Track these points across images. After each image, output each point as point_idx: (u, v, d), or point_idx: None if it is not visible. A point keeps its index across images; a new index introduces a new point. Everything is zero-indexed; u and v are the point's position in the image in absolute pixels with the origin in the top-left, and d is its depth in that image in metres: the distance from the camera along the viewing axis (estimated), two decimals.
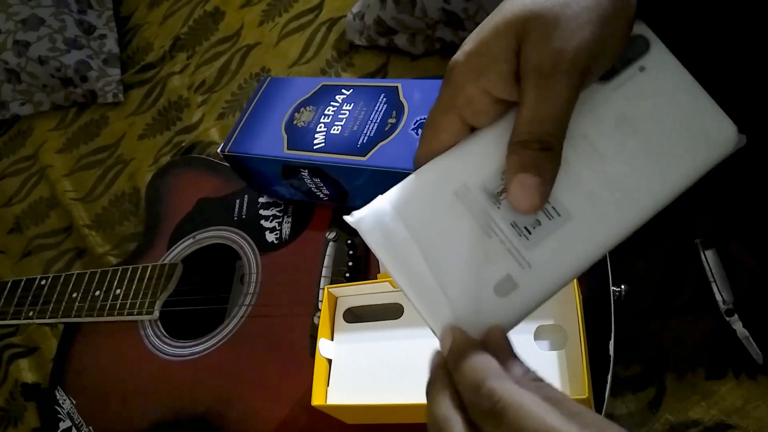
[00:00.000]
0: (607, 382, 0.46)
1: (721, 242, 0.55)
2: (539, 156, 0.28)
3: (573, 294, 0.46)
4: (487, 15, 0.30)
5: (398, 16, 0.79)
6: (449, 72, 0.30)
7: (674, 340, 0.54)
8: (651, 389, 0.52)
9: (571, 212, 0.29)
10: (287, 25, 0.96)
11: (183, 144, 0.94)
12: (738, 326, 0.51)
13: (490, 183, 0.29)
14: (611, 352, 0.47)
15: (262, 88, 0.66)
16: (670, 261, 0.56)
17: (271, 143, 0.61)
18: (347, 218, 0.30)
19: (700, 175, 0.30)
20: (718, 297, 0.53)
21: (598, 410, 0.46)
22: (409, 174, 0.54)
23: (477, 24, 0.74)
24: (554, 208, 0.29)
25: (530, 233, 0.29)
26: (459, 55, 0.30)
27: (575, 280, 0.47)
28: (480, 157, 0.29)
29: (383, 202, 0.30)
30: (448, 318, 0.28)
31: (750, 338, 0.51)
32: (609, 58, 0.29)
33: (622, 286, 0.51)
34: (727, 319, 0.52)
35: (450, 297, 0.28)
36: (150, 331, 0.68)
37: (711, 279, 0.54)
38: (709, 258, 0.54)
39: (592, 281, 0.50)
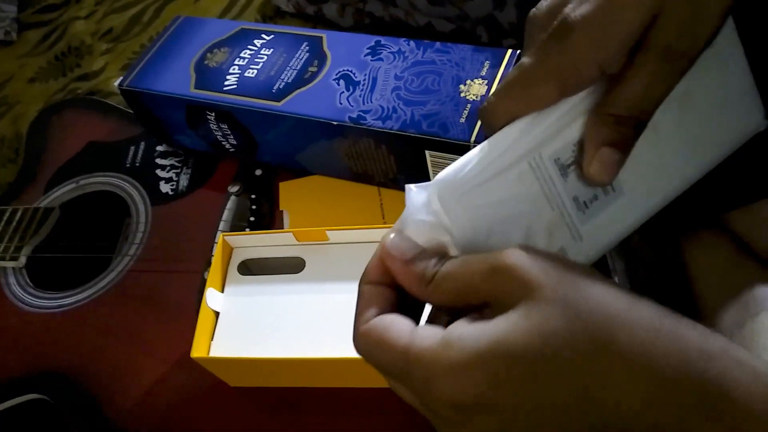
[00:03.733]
0: None
1: None
2: (629, 134, 0.26)
3: None
4: None
5: None
6: (565, 32, 0.25)
7: None
8: None
9: (624, 188, 0.29)
10: None
11: (79, 91, 0.86)
12: None
13: (562, 155, 0.28)
14: None
15: (173, 27, 0.61)
16: None
17: (176, 81, 0.56)
18: (410, 185, 0.26)
19: (728, 154, 0.31)
20: None
21: None
22: (332, 124, 0.50)
23: (410, 2, 0.73)
24: (612, 185, 0.28)
25: (587, 208, 0.28)
26: (575, 16, 0.25)
27: None
28: (558, 128, 0.27)
29: (457, 169, 0.26)
30: None
31: None
32: None
33: None
34: None
35: None
36: (13, 280, 0.59)
37: (612, 268, 0.54)
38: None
39: None
